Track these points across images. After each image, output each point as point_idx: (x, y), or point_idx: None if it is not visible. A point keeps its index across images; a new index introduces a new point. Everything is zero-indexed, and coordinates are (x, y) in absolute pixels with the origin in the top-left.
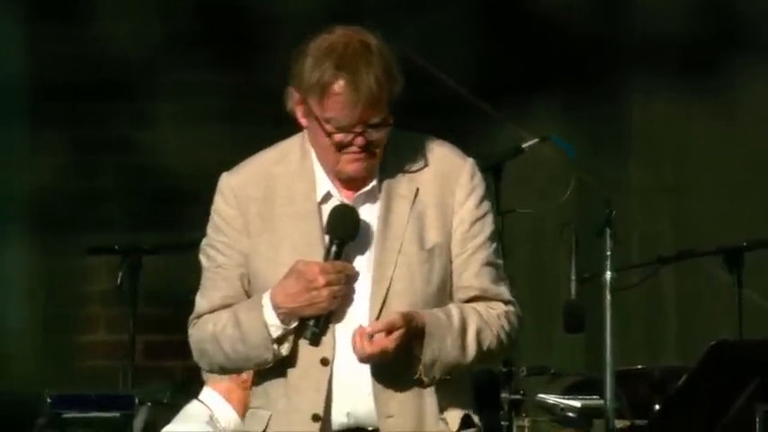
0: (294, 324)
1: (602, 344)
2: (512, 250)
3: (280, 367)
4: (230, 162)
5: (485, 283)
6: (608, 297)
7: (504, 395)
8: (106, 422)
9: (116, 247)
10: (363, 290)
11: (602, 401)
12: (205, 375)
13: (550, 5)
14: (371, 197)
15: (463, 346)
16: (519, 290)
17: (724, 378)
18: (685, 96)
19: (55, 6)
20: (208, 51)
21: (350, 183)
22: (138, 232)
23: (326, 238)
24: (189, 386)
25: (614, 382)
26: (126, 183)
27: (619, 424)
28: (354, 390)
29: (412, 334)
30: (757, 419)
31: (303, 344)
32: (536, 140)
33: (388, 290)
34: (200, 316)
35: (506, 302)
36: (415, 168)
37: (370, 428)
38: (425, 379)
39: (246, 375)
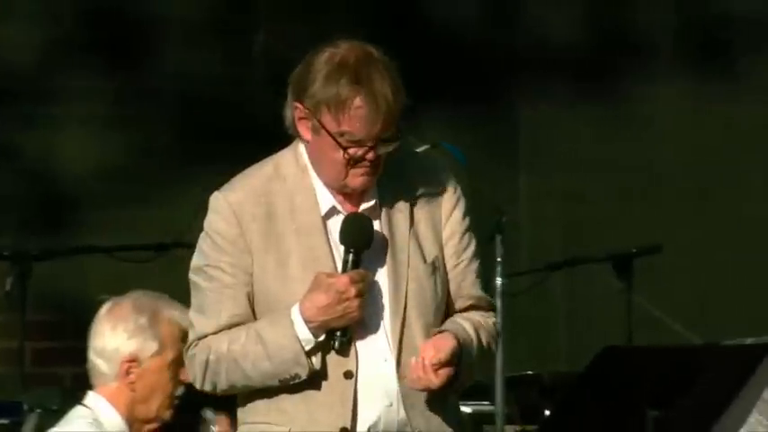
0: (323, 337)
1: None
2: None
3: (297, 383)
4: (119, 167)
5: (479, 292)
6: (498, 303)
7: None
8: None
9: (5, 253)
10: (379, 302)
11: (492, 407)
12: (100, 380)
13: (442, 13)
14: (374, 212)
15: (481, 359)
16: None
17: (614, 384)
18: (575, 102)
19: None
20: (94, 57)
21: (351, 197)
22: (26, 238)
23: (342, 248)
24: (78, 393)
25: (505, 387)
26: (13, 188)
27: (509, 429)
28: (377, 402)
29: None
30: (647, 425)
31: (327, 358)
32: (426, 147)
33: (405, 303)
34: (203, 336)
35: (494, 312)
36: (406, 182)
37: None
38: (452, 392)
39: (134, 377)
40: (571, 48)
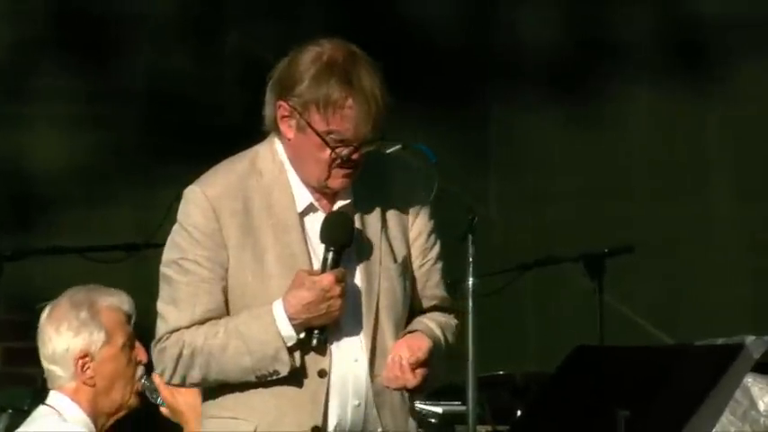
0: (303, 334)
1: (464, 350)
2: None
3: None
4: (88, 166)
5: (443, 293)
6: (470, 303)
7: None
8: None
9: None
10: (352, 300)
11: (463, 407)
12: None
13: (416, 13)
14: (348, 211)
15: (446, 359)
16: None
17: (585, 384)
18: (545, 102)
19: None
20: (65, 56)
21: (327, 195)
22: None
23: (319, 247)
24: (49, 392)
25: (476, 388)
26: None
27: (481, 430)
28: (346, 401)
29: None
30: (618, 425)
31: (303, 356)
32: (398, 146)
33: (377, 302)
34: (176, 330)
35: (456, 313)
36: (377, 182)
37: None
38: (418, 394)
39: (91, 371)
40: (543, 49)
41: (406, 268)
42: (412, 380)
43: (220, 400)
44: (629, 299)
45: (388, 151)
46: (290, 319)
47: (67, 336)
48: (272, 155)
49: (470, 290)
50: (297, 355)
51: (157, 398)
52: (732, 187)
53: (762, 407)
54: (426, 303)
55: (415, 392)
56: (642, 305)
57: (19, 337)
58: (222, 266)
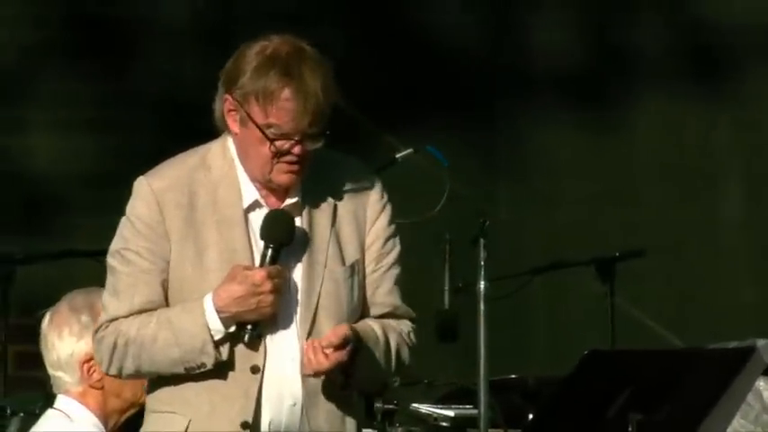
0: (233, 328)
1: (476, 353)
2: None
3: (203, 372)
4: (102, 171)
5: (396, 300)
6: (482, 307)
7: (377, 405)
8: None
9: None
10: (292, 300)
11: (475, 411)
12: (64, 388)
13: (429, 20)
14: (296, 210)
15: (388, 361)
16: None
17: (597, 387)
18: (555, 107)
19: None
20: (79, 60)
21: (276, 193)
22: (9, 241)
23: (262, 242)
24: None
25: (488, 391)
26: None
27: None
28: (281, 400)
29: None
30: (630, 429)
31: (236, 351)
32: (410, 151)
33: (317, 303)
34: (114, 319)
35: (412, 320)
36: (330, 184)
37: None
38: (351, 391)
39: (98, 374)
40: (554, 54)
41: (355, 272)
42: (324, 362)
43: (159, 392)
44: (640, 302)
45: (399, 156)
46: (219, 311)
47: (71, 341)
48: (224, 151)
49: (482, 293)
50: (226, 348)
51: None
52: (742, 191)
53: None
54: (377, 310)
55: (342, 388)
56: (652, 309)
57: (30, 342)
58: (163, 259)
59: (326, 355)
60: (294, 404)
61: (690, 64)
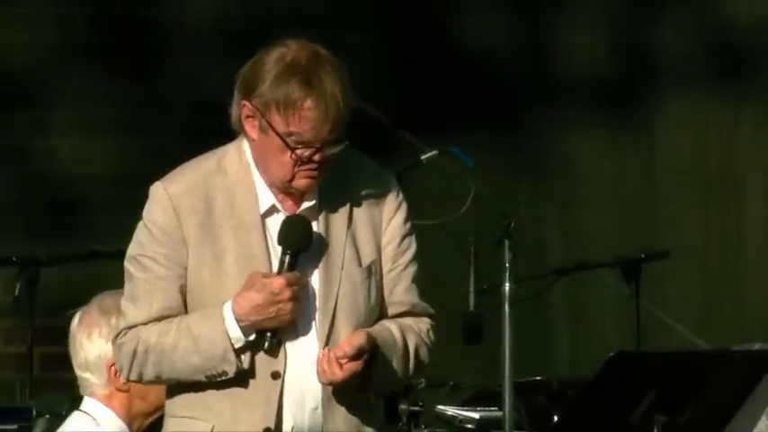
0: (253, 336)
1: (500, 355)
2: None
3: (223, 379)
4: (127, 172)
5: (414, 299)
6: (507, 309)
7: (402, 407)
8: None
9: (13, 258)
10: (310, 304)
11: (500, 413)
12: (90, 389)
13: (454, 23)
14: (313, 213)
15: (406, 363)
16: None
17: (622, 389)
18: (579, 110)
19: None
20: (105, 61)
21: (292, 196)
22: (34, 242)
23: (279, 249)
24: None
25: (513, 393)
26: (23, 193)
27: None
28: (301, 404)
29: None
30: (656, 430)
31: (256, 357)
32: (434, 152)
33: (335, 307)
34: (133, 326)
35: (431, 317)
36: (346, 185)
37: None
38: (370, 394)
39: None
40: (575, 55)
41: (372, 273)
42: (338, 373)
43: (179, 399)
44: (664, 304)
45: (424, 157)
46: (239, 320)
47: (99, 343)
48: (240, 155)
49: (507, 295)
50: (247, 356)
51: None
52: (766, 192)
53: None
54: (396, 309)
55: (360, 391)
56: (677, 310)
57: (56, 343)
58: (180, 265)
59: (341, 366)
60: (315, 408)
61: (713, 65)
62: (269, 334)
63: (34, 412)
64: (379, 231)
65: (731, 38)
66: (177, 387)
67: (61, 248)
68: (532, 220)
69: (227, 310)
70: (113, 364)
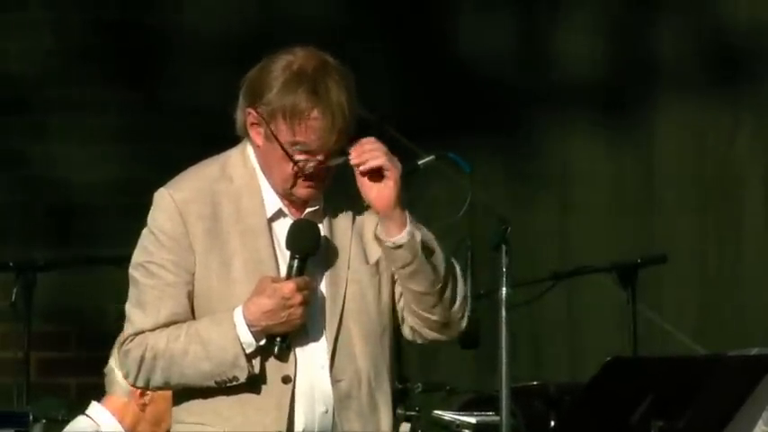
0: (263, 341)
1: (497, 360)
2: None
3: (234, 385)
4: (125, 177)
5: None
6: (504, 313)
7: (399, 411)
8: None
9: (10, 263)
10: (319, 307)
11: (497, 418)
12: (114, 388)
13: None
14: (317, 216)
15: (448, 267)
16: None
17: (619, 394)
18: (577, 115)
19: None
20: (103, 67)
21: (296, 202)
22: (31, 248)
23: (287, 253)
24: (83, 403)
25: (510, 398)
26: (20, 197)
27: None
28: (312, 408)
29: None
30: None
31: (266, 362)
32: (432, 158)
33: (343, 307)
34: (140, 332)
35: None
36: (348, 186)
37: None
38: (420, 255)
39: (147, 399)
40: (573, 62)
41: (380, 269)
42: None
43: (188, 405)
44: (661, 309)
45: (421, 162)
46: (250, 325)
47: None
48: (244, 159)
49: (504, 300)
50: (258, 361)
51: None
52: (763, 197)
53: None
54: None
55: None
56: (673, 315)
57: (53, 348)
58: (188, 271)
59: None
60: (326, 411)
61: (711, 70)
62: (279, 338)
63: (31, 417)
64: None
65: (729, 42)
66: (186, 393)
67: (58, 253)
68: (530, 224)
69: (238, 315)
70: None
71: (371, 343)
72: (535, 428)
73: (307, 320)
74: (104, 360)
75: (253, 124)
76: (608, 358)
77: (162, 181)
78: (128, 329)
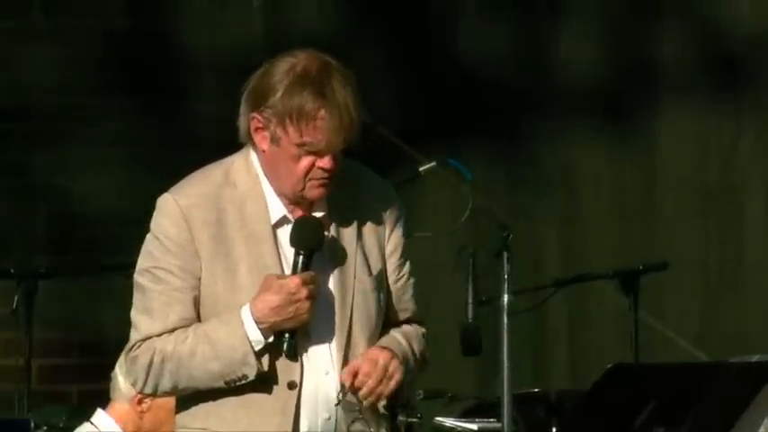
0: (271, 338)
1: (499, 367)
2: None
3: (237, 388)
4: (127, 185)
5: (415, 306)
6: (505, 320)
7: (400, 418)
8: None
9: (11, 270)
10: (324, 312)
11: (498, 424)
12: (116, 394)
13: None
14: (323, 223)
15: (414, 370)
16: None
17: (621, 401)
18: (578, 121)
19: None
20: (105, 75)
21: (301, 207)
22: (32, 255)
23: (291, 257)
24: (84, 410)
25: (511, 405)
26: (21, 205)
27: None
28: (316, 414)
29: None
30: None
31: (272, 367)
32: (433, 164)
33: (350, 316)
34: (148, 338)
35: (422, 323)
36: (353, 195)
37: None
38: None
39: (146, 407)
40: (574, 67)
41: (380, 282)
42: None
43: (193, 410)
44: (663, 316)
45: (423, 169)
46: (258, 322)
47: None
48: (247, 166)
49: (505, 306)
50: (266, 359)
51: None
52: (765, 204)
53: None
54: (402, 316)
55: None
56: (675, 322)
57: (54, 355)
58: (194, 276)
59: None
60: (329, 418)
61: (712, 75)
62: (287, 335)
63: (32, 424)
64: (384, 240)
65: (730, 48)
66: (190, 398)
67: (59, 261)
68: (531, 231)
69: (246, 313)
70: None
71: None
72: None
73: (313, 326)
74: (105, 367)
75: (258, 129)
76: (609, 365)
77: (163, 190)
78: (134, 336)
